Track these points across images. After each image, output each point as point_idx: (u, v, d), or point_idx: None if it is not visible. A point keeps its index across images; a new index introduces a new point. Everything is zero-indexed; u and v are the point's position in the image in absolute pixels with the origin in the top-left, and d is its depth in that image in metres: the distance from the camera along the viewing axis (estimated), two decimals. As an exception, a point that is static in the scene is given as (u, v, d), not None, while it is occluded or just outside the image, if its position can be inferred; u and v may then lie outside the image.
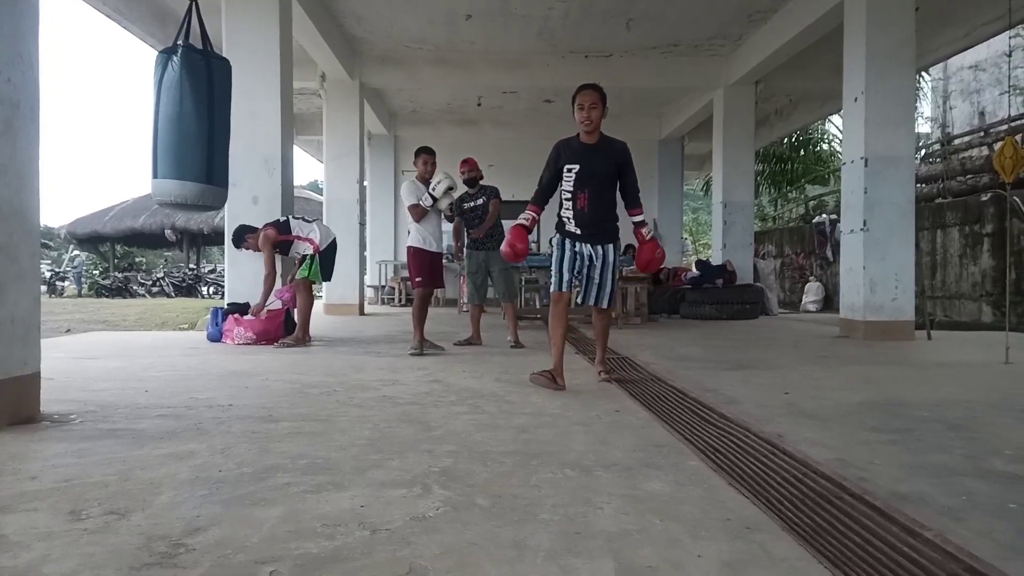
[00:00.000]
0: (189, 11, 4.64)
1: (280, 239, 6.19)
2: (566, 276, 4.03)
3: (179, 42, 4.50)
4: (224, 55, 4.99)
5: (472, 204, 6.49)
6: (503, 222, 6.28)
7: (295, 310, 6.54)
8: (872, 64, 6.96)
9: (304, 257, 6.27)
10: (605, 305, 4.11)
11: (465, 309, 11.34)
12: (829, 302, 13.12)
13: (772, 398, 3.74)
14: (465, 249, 6.66)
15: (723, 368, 4.92)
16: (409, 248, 5.91)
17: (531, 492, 2.12)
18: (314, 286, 6.50)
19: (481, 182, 6.55)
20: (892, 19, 6.96)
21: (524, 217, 4.08)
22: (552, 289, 4.10)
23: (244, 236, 6.32)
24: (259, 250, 6.16)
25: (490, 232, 6.43)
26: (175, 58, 4.40)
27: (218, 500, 2.03)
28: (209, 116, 4.53)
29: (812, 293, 13.60)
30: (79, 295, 20.22)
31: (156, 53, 4.55)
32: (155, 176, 4.56)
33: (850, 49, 7.28)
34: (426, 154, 5.92)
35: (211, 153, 4.58)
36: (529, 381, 4.07)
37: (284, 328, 6.41)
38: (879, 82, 6.95)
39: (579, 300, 4.19)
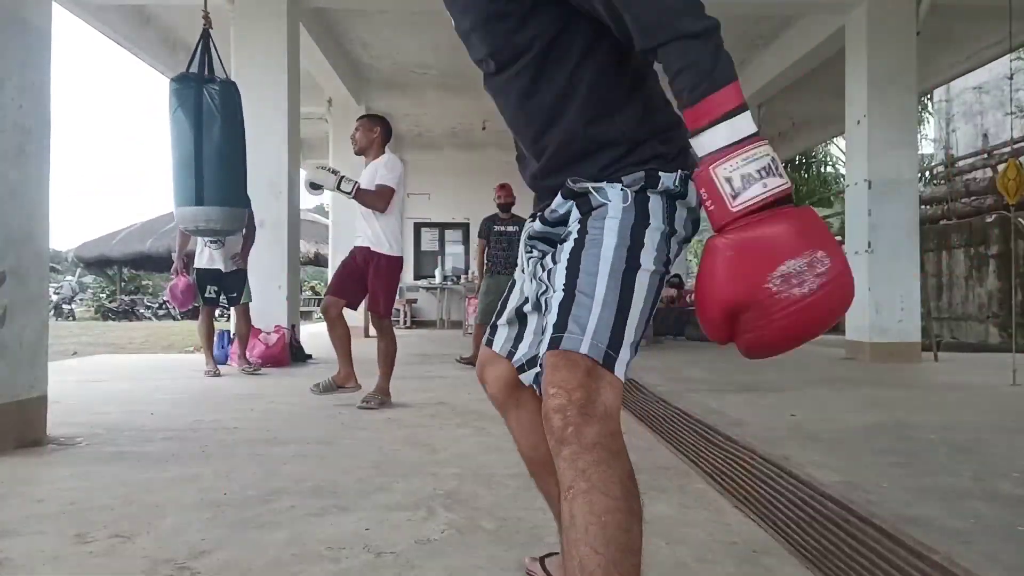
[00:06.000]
0: (201, 40, 4.64)
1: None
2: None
3: (205, 72, 4.46)
4: (232, 79, 4.96)
5: (502, 229, 6.46)
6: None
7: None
8: (874, 88, 7.01)
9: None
10: (556, 346, 1.12)
11: (470, 331, 11.37)
12: (835, 324, 13.08)
13: (778, 420, 3.72)
14: (487, 272, 6.52)
15: (729, 390, 4.91)
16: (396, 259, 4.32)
17: (536, 515, 2.11)
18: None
19: (514, 209, 6.52)
20: (893, 43, 7.01)
21: None
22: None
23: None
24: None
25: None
26: (214, 87, 4.29)
27: (223, 523, 2.03)
28: (241, 142, 4.54)
29: (818, 315, 13.57)
30: (69, 319, 20.08)
31: (172, 80, 4.42)
32: (200, 204, 4.34)
33: (852, 73, 7.33)
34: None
35: (241, 178, 4.58)
36: None
37: (289, 353, 6.44)
38: (881, 105, 7.00)
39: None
